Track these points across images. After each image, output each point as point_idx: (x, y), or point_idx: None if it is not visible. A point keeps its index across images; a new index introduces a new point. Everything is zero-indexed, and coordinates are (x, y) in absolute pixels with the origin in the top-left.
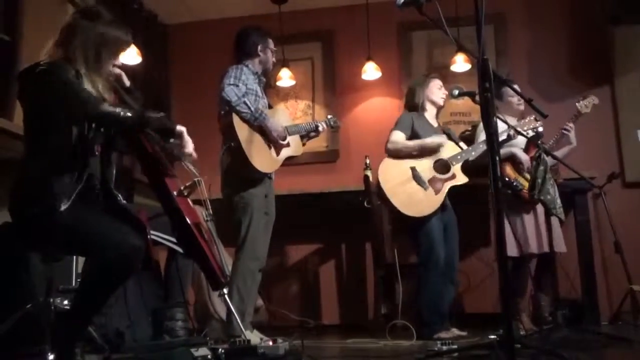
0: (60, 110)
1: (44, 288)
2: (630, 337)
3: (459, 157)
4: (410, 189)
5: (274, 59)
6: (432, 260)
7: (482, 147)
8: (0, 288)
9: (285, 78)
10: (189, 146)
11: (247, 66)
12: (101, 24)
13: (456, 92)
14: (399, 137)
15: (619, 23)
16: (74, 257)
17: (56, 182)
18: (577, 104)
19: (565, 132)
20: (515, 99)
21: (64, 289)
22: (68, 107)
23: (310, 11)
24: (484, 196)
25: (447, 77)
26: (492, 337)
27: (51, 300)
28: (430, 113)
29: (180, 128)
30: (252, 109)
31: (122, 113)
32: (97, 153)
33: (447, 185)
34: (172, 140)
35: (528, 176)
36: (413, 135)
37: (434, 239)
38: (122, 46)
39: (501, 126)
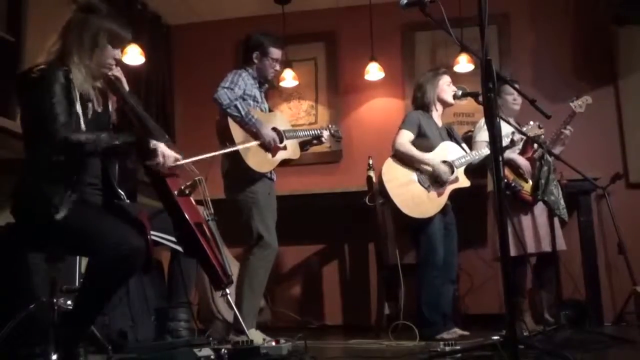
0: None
1: (47, 288)
2: (633, 338)
3: (462, 160)
4: (414, 190)
5: (275, 69)
6: (432, 260)
7: (486, 151)
8: (3, 288)
9: (289, 78)
10: (168, 161)
11: (247, 71)
12: (98, 16)
13: (459, 92)
14: (407, 138)
15: (623, 23)
16: (78, 257)
17: (54, 185)
18: (571, 103)
19: (567, 133)
20: (510, 98)
21: (68, 289)
22: (40, 125)
23: (314, 12)
24: (484, 197)
25: (451, 78)
26: (495, 337)
27: (54, 300)
28: (438, 112)
29: (153, 145)
30: (243, 112)
31: (85, 141)
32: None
33: (450, 188)
34: (148, 162)
35: (528, 178)
36: (419, 134)
37: (435, 240)
38: (119, 39)
39: (504, 129)
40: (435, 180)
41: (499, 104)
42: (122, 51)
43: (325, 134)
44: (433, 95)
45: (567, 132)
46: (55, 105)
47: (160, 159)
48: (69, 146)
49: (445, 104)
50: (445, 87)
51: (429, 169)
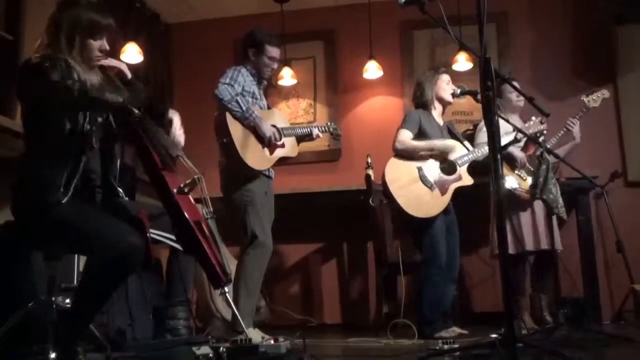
0: (53, 103)
1: (45, 286)
2: (632, 336)
3: (465, 158)
4: (417, 189)
5: (272, 67)
6: (435, 260)
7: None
8: (1, 287)
9: (287, 77)
10: (177, 133)
11: (246, 68)
12: (75, 9)
13: (458, 91)
14: (406, 136)
15: (623, 22)
16: (76, 255)
17: (53, 176)
18: (584, 98)
19: (568, 127)
20: (514, 95)
21: (66, 288)
22: (58, 97)
23: (312, 10)
24: (486, 195)
25: (450, 76)
26: (494, 336)
27: (53, 298)
28: (437, 110)
29: (171, 115)
30: (244, 108)
31: (109, 98)
32: (95, 146)
33: (453, 187)
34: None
35: (524, 174)
36: (420, 133)
37: (437, 240)
38: (98, 29)
39: (505, 127)
40: (443, 160)
41: (501, 103)
42: (108, 41)
43: (315, 131)
44: (431, 94)
45: (569, 126)
46: (64, 74)
47: (176, 129)
48: (90, 101)
49: (443, 103)
50: (444, 86)
51: (434, 152)
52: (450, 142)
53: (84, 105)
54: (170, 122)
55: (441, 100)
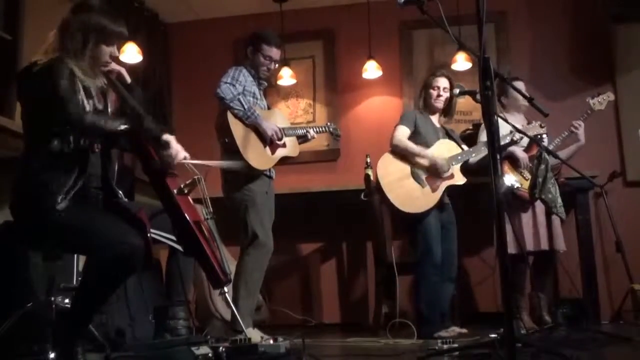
0: (53, 112)
1: (44, 287)
2: (631, 336)
3: (459, 157)
4: (408, 185)
5: (268, 67)
6: (429, 258)
7: (484, 150)
8: (1, 287)
9: (287, 77)
10: (179, 155)
11: (245, 68)
12: (90, 15)
13: (457, 91)
14: (403, 133)
15: (621, 21)
16: (75, 255)
17: (54, 181)
18: (589, 100)
19: (573, 129)
20: (519, 95)
21: (65, 288)
22: (55, 114)
23: (312, 10)
24: (486, 195)
25: (449, 76)
26: (493, 335)
27: (52, 298)
28: (431, 114)
29: (166, 137)
30: (246, 107)
31: (106, 124)
32: (97, 150)
33: (445, 185)
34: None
35: (526, 174)
36: (415, 132)
37: (430, 238)
38: (112, 35)
39: (504, 128)
40: (431, 172)
41: (506, 102)
42: (118, 48)
43: (311, 132)
44: (421, 99)
45: (575, 128)
46: (66, 90)
47: (174, 151)
48: (85, 127)
49: (432, 110)
50: (431, 91)
51: (425, 162)
52: (441, 160)
53: (91, 129)
54: (168, 144)
55: (429, 106)
